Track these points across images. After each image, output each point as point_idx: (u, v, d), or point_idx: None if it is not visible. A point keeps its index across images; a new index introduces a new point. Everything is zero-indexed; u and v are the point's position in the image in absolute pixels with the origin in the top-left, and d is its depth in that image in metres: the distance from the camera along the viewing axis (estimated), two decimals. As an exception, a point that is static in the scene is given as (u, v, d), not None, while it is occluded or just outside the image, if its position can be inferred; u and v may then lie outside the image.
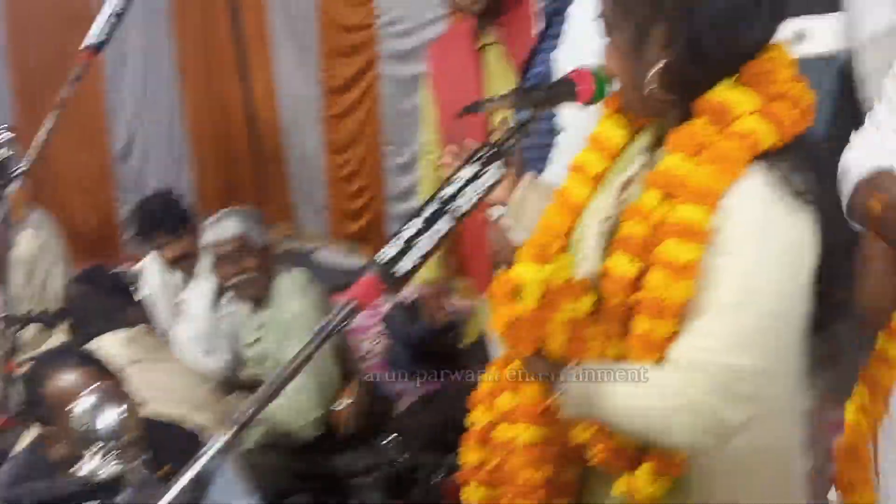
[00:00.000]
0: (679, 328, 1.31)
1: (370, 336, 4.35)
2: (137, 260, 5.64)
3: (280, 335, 3.09)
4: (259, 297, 3.18)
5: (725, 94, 1.34)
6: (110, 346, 2.58)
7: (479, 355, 4.07)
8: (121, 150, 6.48)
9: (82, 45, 2.96)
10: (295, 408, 3.00)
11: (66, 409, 1.92)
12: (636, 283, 1.35)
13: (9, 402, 2.75)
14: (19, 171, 2.79)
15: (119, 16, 3.03)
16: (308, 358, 1.23)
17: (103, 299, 2.77)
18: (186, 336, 3.53)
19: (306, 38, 6.19)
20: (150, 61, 6.41)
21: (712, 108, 1.34)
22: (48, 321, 2.87)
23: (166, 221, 3.58)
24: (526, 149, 2.29)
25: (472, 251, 3.00)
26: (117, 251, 6.40)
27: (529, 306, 1.41)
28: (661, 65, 1.35)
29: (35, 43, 6.11)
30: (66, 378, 1.97)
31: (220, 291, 3.47)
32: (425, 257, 1.30)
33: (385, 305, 4.69)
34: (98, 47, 3.00)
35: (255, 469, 2.55)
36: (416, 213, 1.31)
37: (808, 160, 1.34)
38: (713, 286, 1.30)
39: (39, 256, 4.19)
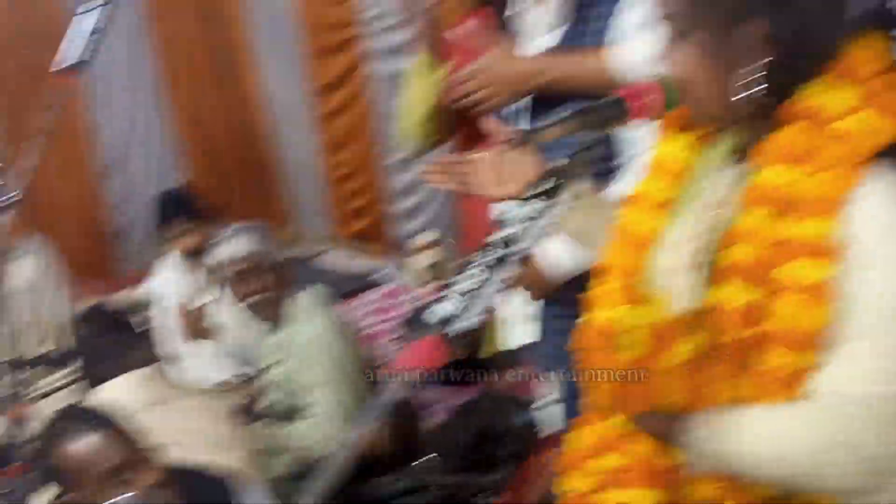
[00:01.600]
0: (816, 359, 1.18)
1: (387, 341, 4.24)
2: (135, 281, 5.57)
3: (299, 358, 2.97)
4: (275, 317, 3.06)
5: (822, 93, 1.20)
6: (124, 389, 2.46)
7: (499, 364, 3.99)
8: (107, 167, 6.31)
9: (63, 65, 2.83)
10: (320, 432, 2.89)
11: (85, 475, 1.82)
12: (754, 314, 1.20)
13: (17, 448, 2.65)
14: (11, 199, 2.68)
15: (99, 31, 2.91)
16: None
17: (112, 338, 2.65)
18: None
19: (288, 39, 6.05)
20: (132, 74, 6.25)
21: (808, 110, 1.19)
22: (54, 362, 2.75)
23: (184, 209, 3.79)
24: None
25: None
26: (108, 270, 6.28)
27: (636, 355, 1.26)
28: (758, 65, 1.20)
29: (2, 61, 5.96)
30: (85, 444, 1.85)
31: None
32: (488, 310, 1.19)
33: (403, 308, 4.60)
34: (80, 66, 2.88)
35: (286, 499, 2.45)
36: (471, 262, 1.20)
37: None
38: (852, 307, 1.16)
39: (39, 285, 4.08)
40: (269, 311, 3.07)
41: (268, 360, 3.11)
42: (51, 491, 2.01)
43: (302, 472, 2.85)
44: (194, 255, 3.71)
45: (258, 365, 3.22)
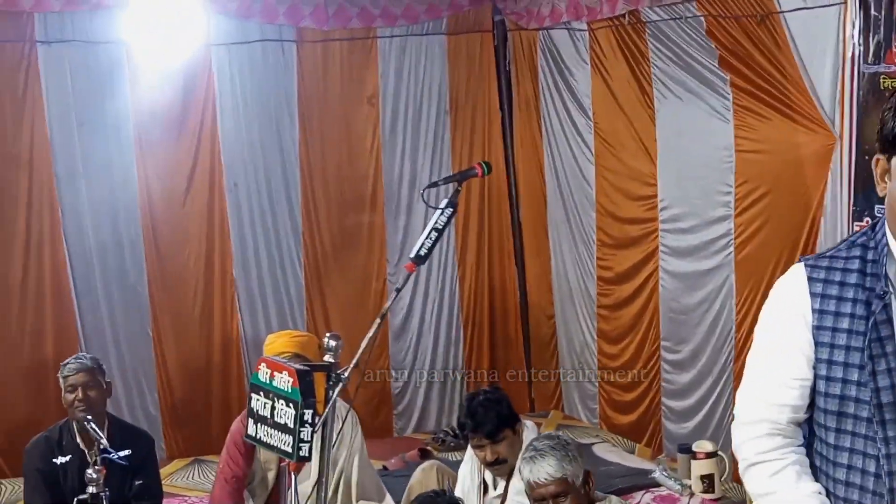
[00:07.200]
0: None
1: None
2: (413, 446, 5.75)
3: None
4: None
5: None
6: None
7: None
8: (397, 327, 6.65)
9: (412, 255, 3.07)
10: None
11: None
12: None
13: None
14: (345, 373, 2.86)
15: (440, 231, 3.14)
16: None
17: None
18: None
19: (584, 228, 6.27)
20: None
21: None
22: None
23: (487, 426, 3.56)
24: None
25: None
26: (391, 430, 6.55)
27: None
28: None
29: (326, 225, 6.46)
30: None
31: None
32: None
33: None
34: (421, 259, 3.11)
35: None
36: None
37: None
38: None
39: (339, 449, 4.27)
40: None
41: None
42: None
43: None
44: (492, 465, 3.63)
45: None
